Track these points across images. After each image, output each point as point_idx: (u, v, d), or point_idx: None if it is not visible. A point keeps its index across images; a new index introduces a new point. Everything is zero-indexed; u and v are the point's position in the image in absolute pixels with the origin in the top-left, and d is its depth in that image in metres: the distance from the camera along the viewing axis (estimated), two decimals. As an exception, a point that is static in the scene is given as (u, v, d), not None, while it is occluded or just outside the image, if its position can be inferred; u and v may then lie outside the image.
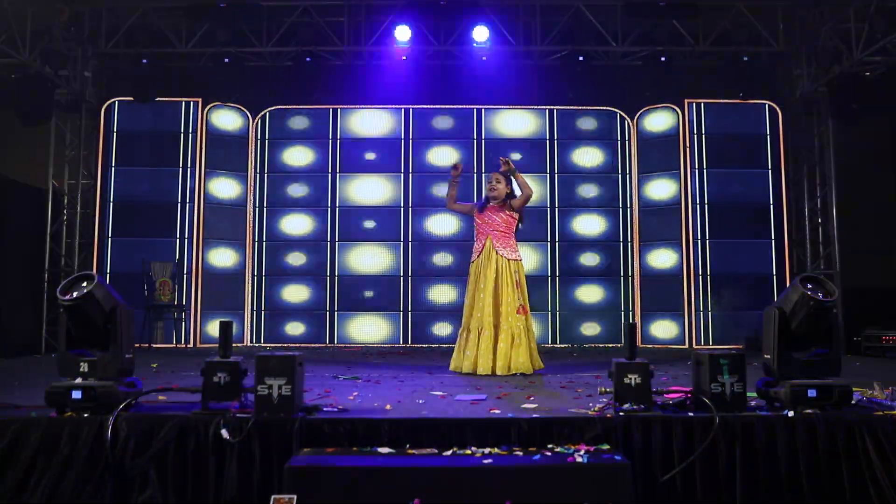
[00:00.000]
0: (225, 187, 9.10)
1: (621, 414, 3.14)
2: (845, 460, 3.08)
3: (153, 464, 3.02)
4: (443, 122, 9.33)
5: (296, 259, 9.15)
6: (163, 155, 8.89)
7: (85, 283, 3.26)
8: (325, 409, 3.35)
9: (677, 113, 9.05)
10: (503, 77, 8.90)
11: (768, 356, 3.37)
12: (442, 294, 9.09)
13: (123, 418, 3.09)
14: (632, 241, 9.19)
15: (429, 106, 9.30)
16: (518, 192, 5.54)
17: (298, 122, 9.32)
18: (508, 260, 5.39)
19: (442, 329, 8.99)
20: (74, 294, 3.23)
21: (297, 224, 9.21)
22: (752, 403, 3.43)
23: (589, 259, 9.04)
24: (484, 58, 8.63)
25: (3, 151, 8.55)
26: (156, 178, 8.88)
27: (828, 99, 8.49)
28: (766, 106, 9.00)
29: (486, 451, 2.95)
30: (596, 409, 3.35)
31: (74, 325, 3.34)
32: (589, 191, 9.23)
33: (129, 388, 3.32)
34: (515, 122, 9.34)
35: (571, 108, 9.24)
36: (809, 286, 3.30)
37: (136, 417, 3.14)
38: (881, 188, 8.91)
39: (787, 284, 8.53)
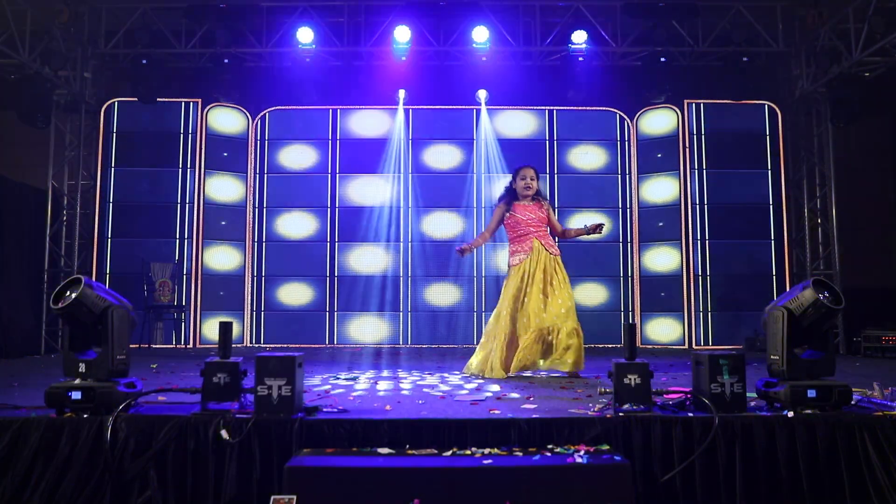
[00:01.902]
0: (225, 188, 9.10)
1: (621, 414, 3.14)
2: (845, 460, 3.08)
3: (153, 464, 3.02)
4: (443, 123, 9.33)
5: (295, 259, 9.14)
6: (163, 155, 8.90)
7: (72, 289, 3.26)
8: (324, 409, 3.35)
9: (677, 113, 9.06)
10: (503, 77, 8.91)
11: (775, 356, 3.36)
12: (442, 295, 9.08)
13: (123, 419, 3.09)
14: (632, 241, 9.19)
15: (429, 106, 9.30)
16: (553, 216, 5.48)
17: (298, 123, 9.32)
18: (554, 256, 5.24)
19: (441, 329, 8.99)
20: (68, 299, 3.23)
21: (297, 224, 9.21)
22: (752, 403, 3.43)
23: (589, 259, 9.01)
24: (484, 58, 8.62)
25: (3, 151, 8.56)
26: (155, 178, 8.90)
27: (827, 99, 8.50)
28: (766, 106, 9.01)
29: (486, 451, 2.95)
30: (596, 409, 3.35)
31: (72, 328, 3.34)
32: (589, 191, 9.22)
33: (129, 388, 3.31)
34: (515, 123, 9.34)
35: (571, 108, 9.24)
36: (825, 292, 3.31)
37: (136, 418, 3.13)
38: (881, 188, 8.92)
39: (787, 284, 8.66)
